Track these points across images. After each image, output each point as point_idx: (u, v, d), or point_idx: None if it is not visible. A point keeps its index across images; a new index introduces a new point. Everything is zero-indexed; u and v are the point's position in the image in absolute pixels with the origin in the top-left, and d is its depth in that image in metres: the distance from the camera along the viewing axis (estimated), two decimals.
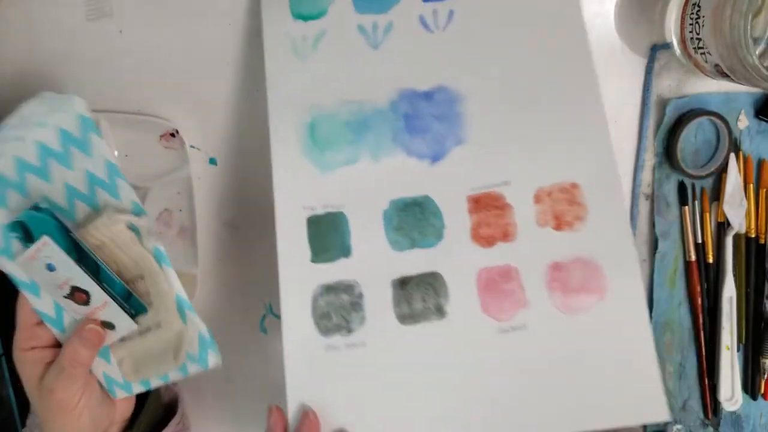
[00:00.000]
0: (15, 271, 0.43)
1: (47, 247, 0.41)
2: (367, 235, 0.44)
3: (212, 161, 0.52)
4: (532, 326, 0.43)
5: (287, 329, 0.43)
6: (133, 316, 0.43)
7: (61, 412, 0.43)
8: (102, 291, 0.42)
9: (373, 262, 0.44)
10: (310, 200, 0.45)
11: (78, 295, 0.42)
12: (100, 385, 0.45)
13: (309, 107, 0.46)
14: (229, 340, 0.55)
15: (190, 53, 0.50)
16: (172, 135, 0.50)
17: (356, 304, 0.43)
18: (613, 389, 0.42)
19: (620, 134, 0.53)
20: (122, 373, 0.45)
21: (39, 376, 0.43)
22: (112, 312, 0.43)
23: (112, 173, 0.42)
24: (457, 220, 0.44)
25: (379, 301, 0.43)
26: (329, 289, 0.44)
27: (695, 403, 0.58)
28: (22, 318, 0.44)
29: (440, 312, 0.43)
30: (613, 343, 0.42)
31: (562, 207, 0.44)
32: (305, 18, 0.47)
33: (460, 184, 0.45)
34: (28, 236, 0.42)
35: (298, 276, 0.44)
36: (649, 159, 0.53)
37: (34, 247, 0.41)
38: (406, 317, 0.43)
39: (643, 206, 0.54)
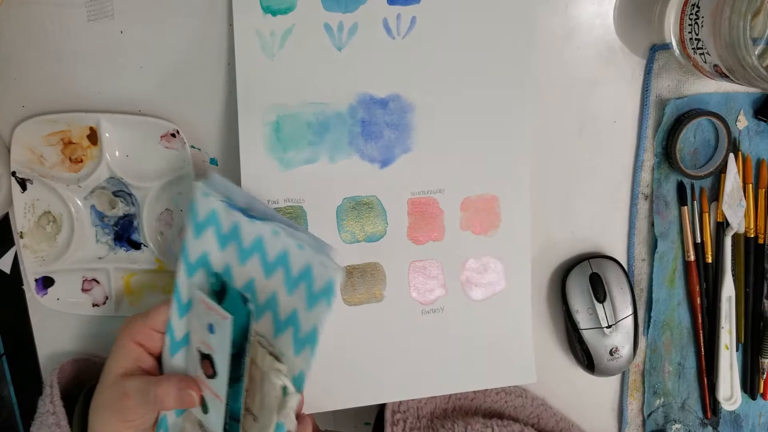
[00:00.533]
0: (184, 286, 0.45)
1: (225, 321, 0.41)
2: (323, 227, 0.50)
3: (213, 161, 0.52)
4: (447, 309, 0.52)
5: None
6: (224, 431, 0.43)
7: (117, 415, 0.43)
8: (225, 391, 0.42)
9: None
10: (273, 194, 0.49)
11: (207, 365, 0.43)
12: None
13: (275, 106, 0.49)
14: None
15: (190, 54, 0.50)
16: (173, 135, 0.50)
17: None
18: (499, 359, 0.53)
19: (619, 134, 0.53)
20: None
21: (125, 371, 0.44)
22: (216, 407, 0.43)
23: (310, 339, 0.41)
24: (398, 219, 0.51)
25: None
26: None
27: (694, 403, 0.58)
28: (154, 318, 0.45)
29: (378, 296, 0.51)
30: (502, 324, 0.53)
31: (482, 216, 0.51)
32: (274, 12, 0.48)
33: (403, 188, 0.51)
34: (219, 294, 0.43)
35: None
36: (649, 159, 0.53)
37: (218, 308, 0.41)
38: (351, 300, 0.51)
39: (643, 206, 0.54)
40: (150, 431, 0.46)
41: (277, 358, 0.42)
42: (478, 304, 0.52)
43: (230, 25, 0.50)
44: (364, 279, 0.51)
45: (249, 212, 0.43)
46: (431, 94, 0.50)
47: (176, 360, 0.45)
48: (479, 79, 0.50)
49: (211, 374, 0.43)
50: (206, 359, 0.43)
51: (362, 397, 0.52)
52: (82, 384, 0.51)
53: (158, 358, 0.47)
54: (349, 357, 0.51)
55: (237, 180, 0.50)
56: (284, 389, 0.41)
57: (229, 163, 0.52)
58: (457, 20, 0.49)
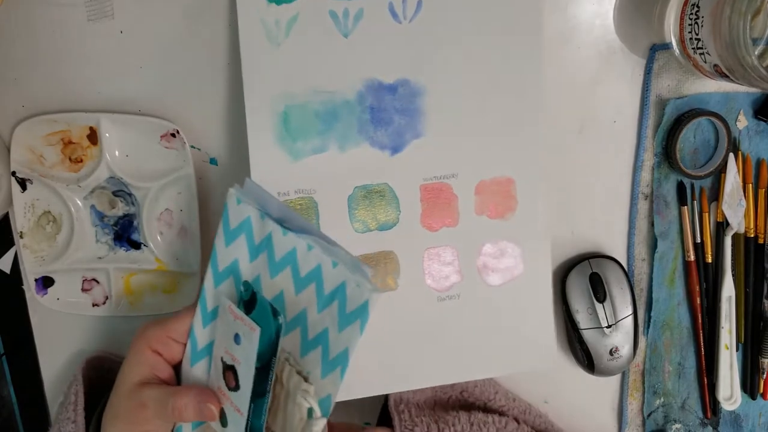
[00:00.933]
0: (210, 294, 0.44)
1: (252, 333, 0.40)
2: (334, 217, 0.49)
3: (213, 161, 0.52)
4: (464, 296, 0.51)
5: None
6: None
7: (133, 426, 0.42)
8: (247, 405, 0.41)
9: (339, 241, 0.46)
10: (283, 185, 0.49)
11: (230, 376, 0.42)
12: None
13: (282, 96, 0.48)
14: None
15: (190, 54, 0.50)
16: (173, 135, 0.50)
17: None
18: (518, 344, 0.52)
19: (619, 134, 0.53)
20: None
21: (141, 379, 0.43)
22: (236, 421, 0.41)
23: (341, 361, 0.39)
24: (410, 206, 0.50)
25: None
26: None
27: (694, 403, 0.58)
28: (173, 327, 0.44)
29: (392, 285, 0.50)
30: (521, 310, 0.51)
31: (497, 199, 0.50)
32: (279, 1, 0.47)
33: (415, 175, 0.50)
34: (248, 303, 0.41)
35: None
36: (648, 159, 0.53)
37: (246, 318, 0.40)
38: None
39: (642, 206, 0.54)
40: None
41: (305, 378, 0.40)
42: (496, 289, 0.51)
43: (230, 25, 0.50)
44: (377, 268, 0.50)
45: (283, 223, 0.42)
46: (440, 78, 0.49)
47: (196, 370, 0.45)
48: (489, 60, 0.49)
49: (234, 386, 0.42)
50: (229, 370, 0.42)
51: (378, 387, 0.51)
52: (104, 382, 0.50)
53: (175, 367, 0.46)
54: (363, 347, 0.49)
55: (244, 175, 0.49)
56: (310, 411, 0.39)
57: (230, 163, 0.52)
58: (464, 2, 0.48)
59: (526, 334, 0.52)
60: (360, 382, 0.50)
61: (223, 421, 0.43)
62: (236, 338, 0.41)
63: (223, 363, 0.42)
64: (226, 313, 0.42)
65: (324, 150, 0.49)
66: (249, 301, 0.42)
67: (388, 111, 0.49)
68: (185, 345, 0.45)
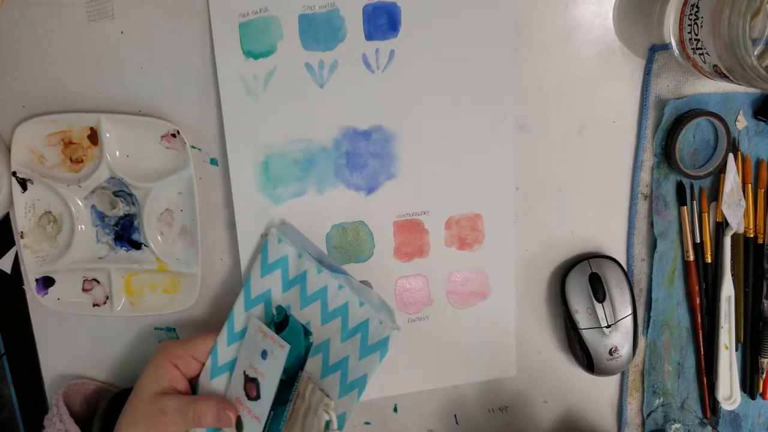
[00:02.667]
0: (240, 317, 0.49)
1: (281, 350, 0.45)
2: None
3: (213, 161, 0.52)
4: (432, 317, 0.55)
5: None
6: None
7: (150, 430, 0.46)
8: (266, 412, 0.45)
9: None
10: (265, 227, 0.52)
11: (251, 387, 0.46)
12: None
13: (262, 147, 0.51)
14: None
15: (191, 54, 0.50)
16: (174, 135, 0.50)
17: None
18: (482, 357, 0.56)
19: (619, 135, 0.53)
20: None
21: (161, 389, 0.47)
22: (252, 427, 0.46)
23: (359, 384, 0.45)
24: (384, 240, 0.53)
25: None
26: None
27: (694, 402, 0.58)
28: (197, 346, 0.49)
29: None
30: (486, 330, 0.56)
31: (466, 232, 0.54)
32: (256, 56, 0.50)
33: (389, 212, 0.53)
34: (279, 324, 0.47)
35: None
36: (648, 159, 0.54)
37: (277, 337, 0.46)
38: None
39: (642, 206, 0.54)
40: None
41: (327, 395, 0.45)
42: (463, 312, 0.55)
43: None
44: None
45: (320, 265, 0.48)
46: (412, 123, 0.51)
47: (215, 384, 0.49)
48: (459, 104, 0.51)
49: (255, 396, 0.46)
50: (252, 382, 0.46)
51: None
52: (86, 406, 0.53)
53: (191, 382, 0.50)
54: None
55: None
56: (328, 424, 0.44)
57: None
58: (436, 50, 0.50)
59: (489, 348, 0.56)
60: None
61: (239, 427, 0.47)
62: (263, 354, 0.46)
63: (246, 376, 0.47)
64: (256, 333, 0.47)
65: (303, 194, 0.52)
66: (280, 323, 0.47)
67: (362, 155, 0.52)
68: (203, 363, 0.49)
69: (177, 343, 0.49)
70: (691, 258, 0.55)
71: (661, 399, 0.58)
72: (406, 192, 0.52)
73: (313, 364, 0.47)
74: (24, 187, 0.52)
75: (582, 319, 0.53)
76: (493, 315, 0.55)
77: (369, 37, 0.50)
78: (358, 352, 0.45)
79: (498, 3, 0.50)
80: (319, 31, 0.49)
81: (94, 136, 0.51)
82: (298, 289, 0.48)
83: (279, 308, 0.47)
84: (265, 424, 0.45)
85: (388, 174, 0.52)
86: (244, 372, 0.47)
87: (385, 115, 0.51)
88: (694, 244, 0.55)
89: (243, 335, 0.48)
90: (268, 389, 0.45)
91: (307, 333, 0.45)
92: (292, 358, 0.45)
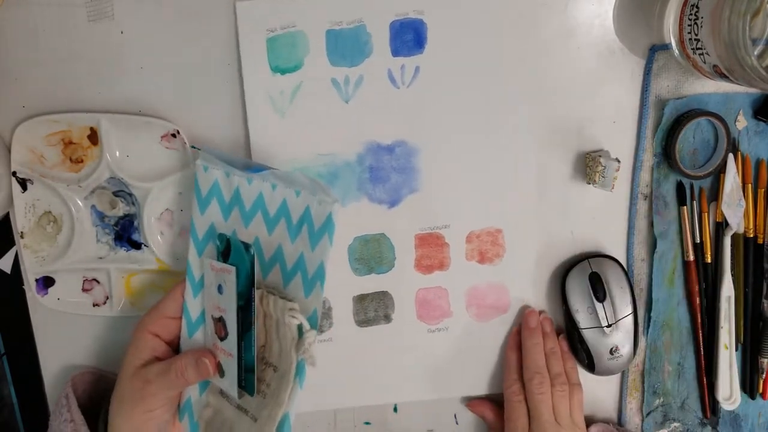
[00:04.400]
0: (195, 264, 0.48)
1: (229, 275, 0.43)
2: (335, 264, 0.53)
3: None
4: (452, 329, 0.55)
5: None
6: (241, 387, 0.45)
7: (139, 405, 0.45)
8: (236, 346, 0.44)
9: (339, 284, 0.54)
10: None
11: (219, 327, 0.45)
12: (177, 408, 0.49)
13: (288, 162, 0.52)
14: None
15: (190, 54, 0.50)
16: (173, 135, 0.50)
17: (326, 314, 0.55)
18: (500, 371, 0.56)
19: (619, 135, 0.53)
20: (199, 414, 0.48)
21: (143, 362, 0.46)
22: (230, 367, 0.45)
23: (319, 275, 0.44)
24: (405, 253, 0.54)
25: (342, 311, 0.55)
26: None
27: (694, 402, 0.58)
28: (167, 305, 0.48)
29: (387, 318, 0.55)
30: (505, 343, 0.56)
31: (487, 247, 0.54)
32: (283, 71, 0.50)
33: (411, 226, 0.54)
34: (224, 253, 0.45)
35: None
36: (648, 159, 0.54)
37: (222, 265, 0.44)
38: (362, 322, 0.55)
39: (642, 206, 0.54)
40: (171, 424, 0.48)
41: (290, 300, 0.44)
42: (483, 325, 0.56)
43: (231, 25, 0.50)
44: (373, 304, 0.55)
45: (249, 175, 0.47)
46: (435, 138, 0.52)
47: (194, 341, 0.49)
48: (481, 120, 0.52)
49: (224, 335, 0.45)
50: (219, 322, 0.45)
51: (373, 398, 0.57)
52: (93, 399, 0.53)
53: (173, 347, 0.49)
54: (362, 366, 0.56)
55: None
56: (299, 328, 0.43)
57: None
58: (460, 67, 0.51)
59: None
60: (359, 393, 0.57)
61: (221, 372, 0.46)
62: (219, 289, 0.45)
63: (213, 319, 0.46)
64: (209, 271, 0.46)
65: None
66: (225, 250, 0.45)
67: (385, 170, 0.53)
68: (180, 318, 0.49)
69: (149, 311, 0.48)
70: (691, 258, 0.55)
71: (661, 399, 0.58)
72: (427, 206, 0.53)
73: (273, 277, 0.46)
74: (24, 187, 0.52)
75: (582, 319, 0.53)
76: (512, 328, 0.56)
77: (395, 53, 0.50)
78: (308, 243, 0.44)
79: (522, 20, 0.50)
80: (346, 46, 0.50)
81: (94, 136, 0.51)
82: (237, 210, 0.47)
83: (221, 236, 0.46)
84: (239, 357, 0.44)
85: (411, 188, 0.53)
86: (212, 316, 0.46)
87: (408, 130, 0.52)
88: (694, 244, 0.55)
89: (201, 282, 0.48)
90: (231, 321, 0.44)
91: (247, 247, 0.43)
92: (242, 278, 0.43)
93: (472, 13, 0.50)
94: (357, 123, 0.51)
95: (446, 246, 0.54)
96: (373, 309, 0.55)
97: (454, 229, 0.54)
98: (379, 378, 0.56)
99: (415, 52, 0.50)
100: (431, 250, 0.54)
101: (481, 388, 0.57)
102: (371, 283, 0.54)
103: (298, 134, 0.51)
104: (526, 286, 0.55)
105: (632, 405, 0.58)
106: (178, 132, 0.50)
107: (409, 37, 0.50)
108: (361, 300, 0.55)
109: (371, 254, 0.54)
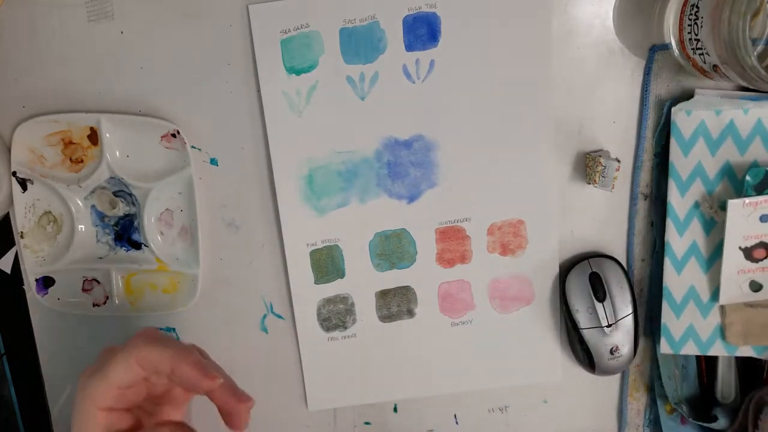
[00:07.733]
0: (679, 205, 0.51)
1: None
2: (357, 260, 0.54)
3: (213, 161, 0.52)
4: (476, 322, 0.56)
5: (300, 329, 0.56)
6: None
7: None
8: None
9: (362, 280, 0.55)
10: (311, 237, 0.54)
11: (762, 252, 0.48)
12: None
13: (306, 161, 0.52)
14: (230, 340, 0.56)
15: (190, 54, 0.50)
16: (174, 135, 0.50)
17: (349, 310, 0.56)
18: (525, 360, 0.57)
19: (619, 135, 0.53)
20: None
21: None
22: None
23: None
24: (426, 247, 0.54)
25: (366, 307, 0.56)
26: (329, 301, 0.55)
27: (694, 402, 0.58)
28: (118, 375, 0.37)
29: (410, 313, 0.56)
30: (530, 334, 0.56)
31: (509, 238, 0.54)
32: (298, 72, 0.51)
33: (431, 220, 0.54)
34: (758, 186, 0.47)
35: (306, 294, 0.55)
36: (648, 159, 0.54)
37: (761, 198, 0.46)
38: (385, 317, 0.56)
39: (642, 206, 0.54)
40: None
41: None
42: (507, 316, 0.56)
43: (230, 25, 0.50)
44: (396, 299, 0.55)
45: (743, 106, 0.48)
46: (453, 131, 0.52)
47: (682, 278, 0.51)
48: (499, 112, 0.52)
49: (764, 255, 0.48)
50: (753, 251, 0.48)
51: (398, 393, 0.57)
52: None
53: (143, 407, 0.42)
54: (384, 364, 0.57)
55: (244, 175, 0.53)
56: None
57: (230, 163, 0.52)
58: (475, 59, 0.51)
59: (533, 353, 0.57)
60: (385, 387, 0.57)
61: None
62: (762, 218, 0.47)
63: (746, 249, 0.48)
64: (738, 209, 0.47)
65: (346, 204, 0.53)
66: (759, 183, 0.47)
67: (404, 165, 0.53)
68: (143, 377, 0.38)
69: (96, 378, 0.37)
70: None
71: (662, 399, 0.58)
72: (447, 199, 0.53)
73: None
74: (24, 187, 0.52)
75: (582, 319, 0.53)
76: (538, 319, 0.56)
77: (409, 47, 0.50)
78: None
79: (537, 11, 0.50)
80: (360, 43, 0.50)
81: (94, 136, 0.51)
82: (730, 141, 0.48)
83: (754, 170, 0.47)
84: None
85: (430, 182, 0.53)
86: (739, 246, 0.48)
87: (425, 124, 0.52)
88: None
89: (689, 222, 0.50)
90: None
91: None
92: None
93: (485, 2, 0.50)
94: (374, 119, 0.52)
95: (467, 239, 0.54)
96: (396, 304, 0.55)
97: (475, 222, 0.54)
98: (404, 372, 0.57)
99: (429, 45, 0.50)
100: (452, 244, 0.54)
101: (508, 379, 0.57)
102: (393, 279, 0.55)
103: (316, 132, 0.52)
104: (550, 276, 0.55)
105: (633, 405, 0.58)
106: (178, 132, 0.50)
107: (422, 31, 0.50)
108: (383, 295, 0.55)
109: (392, 250, 0.54)
